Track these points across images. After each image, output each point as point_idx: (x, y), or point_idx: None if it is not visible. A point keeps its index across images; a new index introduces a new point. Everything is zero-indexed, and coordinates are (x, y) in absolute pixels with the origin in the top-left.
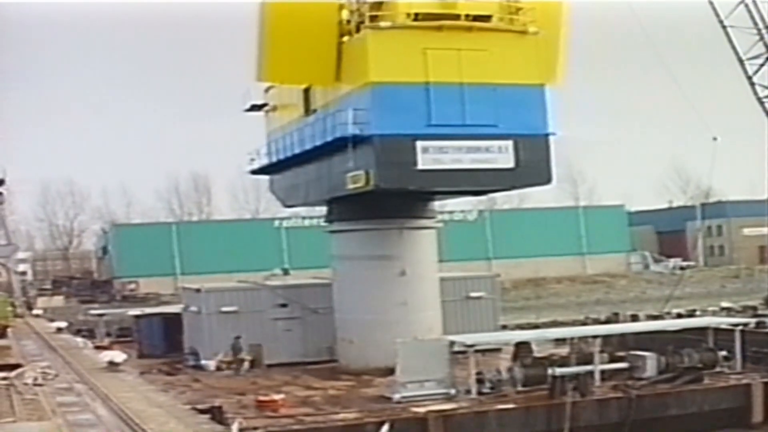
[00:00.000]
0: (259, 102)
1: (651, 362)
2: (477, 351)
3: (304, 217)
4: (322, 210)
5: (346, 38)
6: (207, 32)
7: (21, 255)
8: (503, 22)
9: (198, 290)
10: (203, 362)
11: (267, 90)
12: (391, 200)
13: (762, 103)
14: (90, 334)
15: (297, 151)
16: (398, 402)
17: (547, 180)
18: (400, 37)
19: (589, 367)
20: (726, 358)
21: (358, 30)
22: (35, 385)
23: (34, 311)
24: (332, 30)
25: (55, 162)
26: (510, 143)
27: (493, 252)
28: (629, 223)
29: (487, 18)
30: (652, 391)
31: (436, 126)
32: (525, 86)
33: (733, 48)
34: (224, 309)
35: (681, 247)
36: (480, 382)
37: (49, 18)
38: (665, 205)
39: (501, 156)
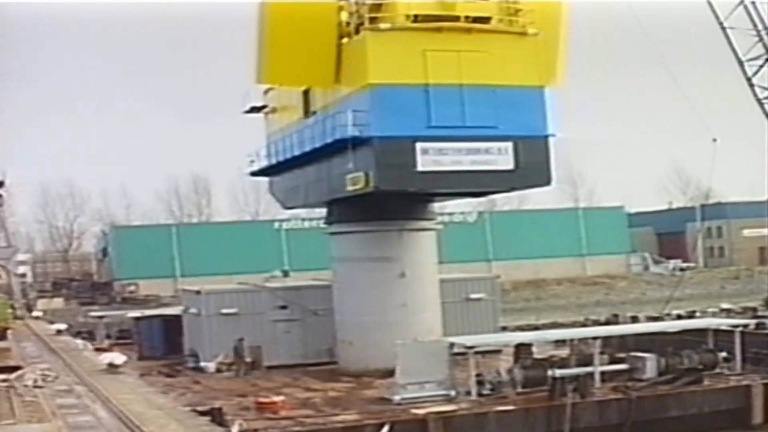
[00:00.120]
0: (259, 104)
1: (651, 363)
2: (477, 352)
3: (303, 219)
4: (322, 212)
5: (345, 40)
6: (206, 34)
7: (21, 257)
8: (503, 24)
9: (198, 292)
10: (203, 364)
11: (266, 92)
12: (391, 202)
13: (761, 105)
14: (90, 336)
15: (297, 152)
16: (398, 404)
17: (547, 181)
18: (399, 39)
19: (589, 369)
20: (726, 360)
21: (357, 32)
22: (35, 387)
23: (34, 313)
24: (331, 32)
25: (55, 164)
26: (510, 145)
27: (493, 253)
28: (629, 225)
29: (486, 19)
30: (652, 393)
31: (435, 128)
32: (525, 88)
33: (733, 49)
34: (224, 311)
35: (681, 249)
36: (480, 383)
37: (49, 19)
38: (665, 207)
39: (501, 157)
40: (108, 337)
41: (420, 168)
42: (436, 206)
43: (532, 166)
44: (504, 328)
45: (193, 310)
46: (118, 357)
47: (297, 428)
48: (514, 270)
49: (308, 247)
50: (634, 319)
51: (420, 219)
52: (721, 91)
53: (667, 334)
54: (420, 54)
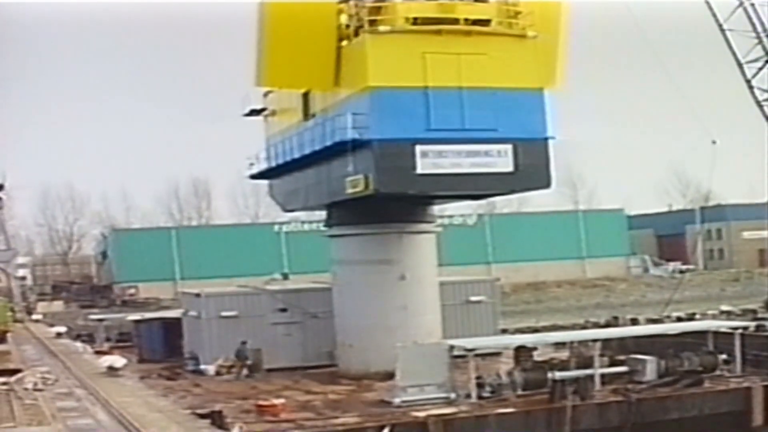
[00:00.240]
0: (259, 106)
1: (651, 366)
2: (477, 355)
3: (303, 222)
4: (322, 214)
5: (345, 43)
6: (207, 36)
7: (21, 260)
8: (502, 26)
9: (198, 295)
10: (203, 367)
11: (266, 94)
12: (391, 205)
13: (761, 107)
14: (90, 339)
15: (296, 155)
16: (398, 406)
17: (547, 184)
18: (399, 42)
19: (589, 371)
20: (726, 362)
21: (356, 34)
22: (35, 390)
23: (34, 316)
24: (331, 34)
25: (54, 166)
26: (509, 147)
27: (493, 256)
28: (629, 227)
29: (486, 22)
30: (653, 395)
31: (435, 130)
32: (524, 90)
33: (732, 52)
34: (224, 314)
35: (681, 251)
36: (480, 386)
37: (49, 22)
38: (665, 209)
39: (500, 160)
40: (108, 340)
41: (420, 171)
42: (436, 209)
43: (531, 169)
44: (504, 331)
45: (193, 313)
46: (118, 360)
47: (297, 431)
48: (514, 272)
49: (308, 250)
50: (634, 322)
51: (420, 222)
52: (721, 93)
53: (667, 337)
54: (419, 56)
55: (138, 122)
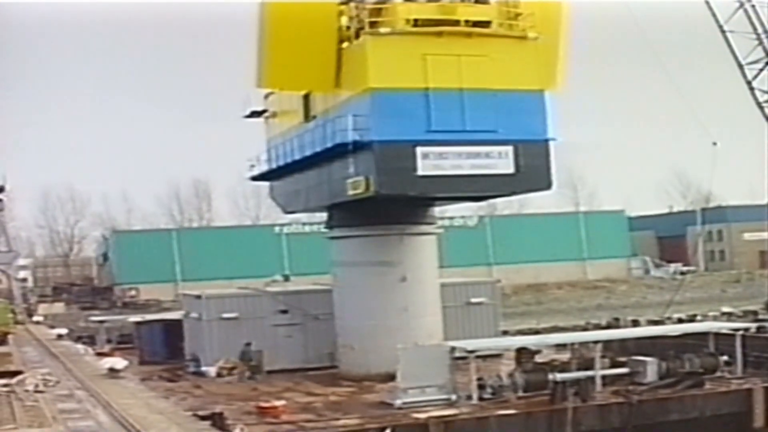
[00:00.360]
0: (259, 108)
1: (652, 367)
2: (478, 357)
3: (304, 224)
4: (323, 216)
5: (345, 44)
6: (207, 38)
7: (21, 262)
8: (503, 28)
9: (199, 297)
10: (204, 368)
11: (267, 96)
12: (392, 206)
13: (761, 108)
14: (91, 341)
15: (297, 157)
16: (399, 408)
17: (548, 185)
18: (399, 43)
19: (590, 373)
20: (727, 363)
21: (357, 36)
22: (36, 391)
23: (35, 318)
24: (332, 36)
25: (55, 168)
26: (510, 149)
27: (494, 257)
28: (630, 228)
29: (486, 24)
30: (654, 397)
31: (436, 132)
32: (525, 92)
33: (733, 53)
34: (225, 315)
35: (681, 252)
36: (481, 387)
37: (49, 22)
38: (665, 210)
39: (501, 162)
40: (109, 341)
41: (420, 172)
42: (437, 210)
43: (532, 170)
44: (505, 332)
45: (194, 315)
46: (119, 362)
47: None
48: (515, 274)
49: (309, 252)
50: (635, 323)
51: (420, 223)
52: (721, 94)
53: (668, 338)
54: (420, 58)
55: (139, 123)
